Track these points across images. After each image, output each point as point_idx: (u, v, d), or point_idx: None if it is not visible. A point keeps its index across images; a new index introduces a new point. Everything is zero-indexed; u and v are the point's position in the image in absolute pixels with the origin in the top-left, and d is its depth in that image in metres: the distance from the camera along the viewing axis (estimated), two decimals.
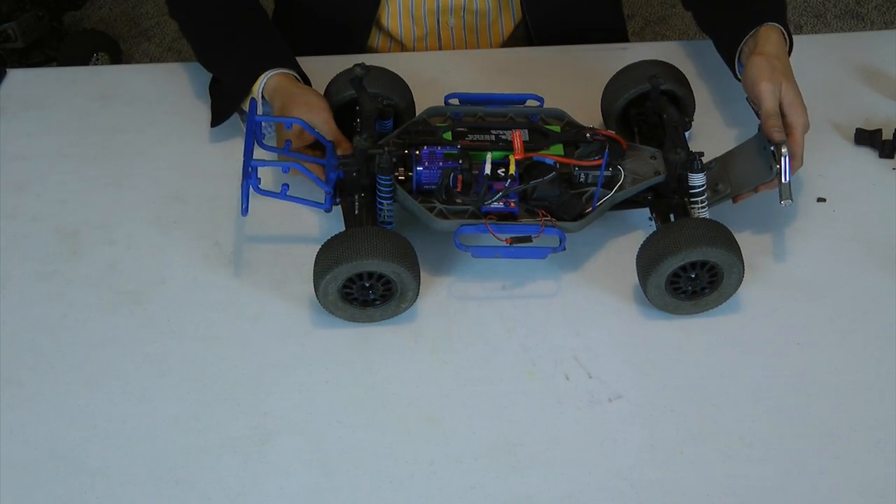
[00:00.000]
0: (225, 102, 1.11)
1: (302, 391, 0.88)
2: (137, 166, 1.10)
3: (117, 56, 2.30)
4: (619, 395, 0.88)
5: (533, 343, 0.92)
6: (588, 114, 1.09)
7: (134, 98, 1.19)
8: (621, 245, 1.00)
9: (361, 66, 0.98)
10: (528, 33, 1.27)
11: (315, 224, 1.02)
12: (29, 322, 0.94)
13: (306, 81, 1.10)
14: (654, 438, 0.84)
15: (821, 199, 1.04)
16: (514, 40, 1.30)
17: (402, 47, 1.28)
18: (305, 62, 1.15)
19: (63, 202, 1.06)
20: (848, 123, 1.13)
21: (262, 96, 1.07)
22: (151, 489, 0.82)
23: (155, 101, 1.18)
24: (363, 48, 1.27)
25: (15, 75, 1.23)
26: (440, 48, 1.28)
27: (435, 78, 1.20)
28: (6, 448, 0.84)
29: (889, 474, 0.82)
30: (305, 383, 0.89)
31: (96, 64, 2.21)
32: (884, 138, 1.09)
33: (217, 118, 1.11)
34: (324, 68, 1.20)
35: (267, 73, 1.06)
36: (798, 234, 1.01)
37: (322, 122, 1.00)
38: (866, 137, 1.10)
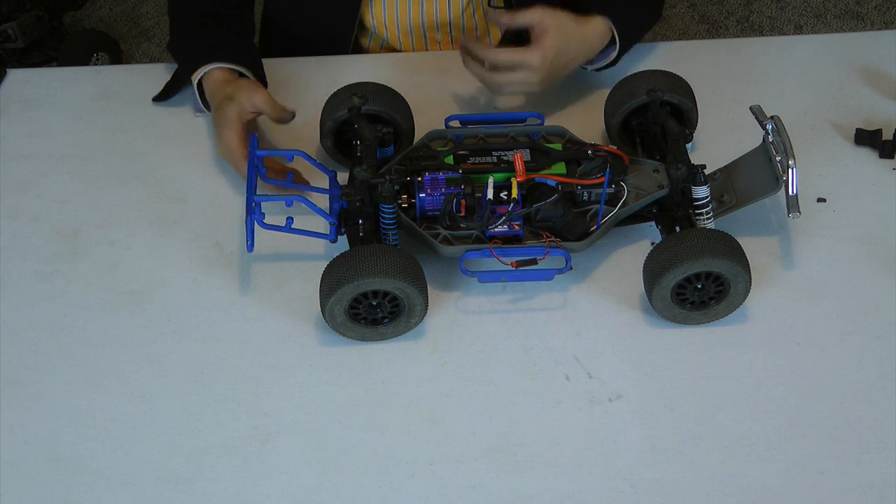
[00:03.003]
0: (174, 82, 1.16)
1: (302, 391, 0.88)
2: (137, 166, 1.10)
3: (117, 56, 2.30)
4: (619, 395, 0.88)
5: (533, 343, 0.92)
6: (587, 119, 1.09)
7: (134, 98, 1.19)
8: (623, 248, 0.99)
9: (359, 95, 0.99)
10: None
11: (315, 224, 1.02)
12: (29, 322, 0.94)
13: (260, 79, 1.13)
14: (654, 438, 0.84)
15: (821, 200, 1.04)
16: None
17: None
18: (303, 62, 1.15)
19: (63, 202, 1.06)
20: (848, 123, 1.13)
21: (201, 87, 1.11)
22: (151, 489, 0.82)
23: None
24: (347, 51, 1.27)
25: (15, 75, 1.23)
26: None
27: (433, 79, 1.20)
28: (6, 448, 0.85)
29: (889, 474, 0.82)
30: (305, 383, 0.89)
31: (96, 64, 2.21)
32: (884, 138, 1.09)
33: (162, 94, 1.16)
34: (321, 69, 1.20)
35: (210, 65, 1.09)
36: (798, 235, 1.01)
37: (263, 101, 1.04)
38: (866, 137, 1.10)
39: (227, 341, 0.92)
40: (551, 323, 0.93)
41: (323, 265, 0.88)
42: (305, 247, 1.00)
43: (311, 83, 1.18)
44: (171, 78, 1.16)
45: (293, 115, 1.06)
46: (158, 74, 1.21)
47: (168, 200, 1.06)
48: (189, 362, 0.91)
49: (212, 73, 1.09)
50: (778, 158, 0.94)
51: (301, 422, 0.86)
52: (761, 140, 0.97)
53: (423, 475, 0.82)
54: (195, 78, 1.09)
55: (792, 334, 0.92)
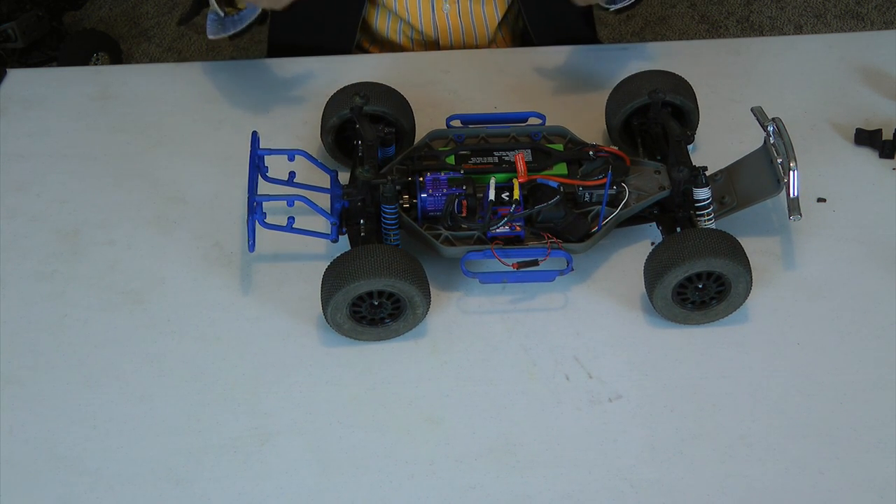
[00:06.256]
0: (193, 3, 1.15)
1: (302, 391, 0.88)
2: (137, 166, 1.10)
3: (117, 56, 2.30)
4: (619, 395, 0.88)
5: (533, 343, 0.92)
6: (588, 115, 1.09)
7: (134, 98, 1.19)
8: (623, 248, 0.99)
9: (361, 94, 0.98)
10: (520, 18, 1.29)
11: (315, 223, 1.02)
12: (29, 322, 0.94)
13: None
14: (654, 438, 0.84)
15: (821, 199, 1.04)
16: (507, 23, 1.32)
17: (400, 25, 1.29)
18: (304, 62, 1.15)
19: (63, 202, 1.06)
20: (848, 123, 1.12)
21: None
22: (151, 489, 0.82)
23: (155, 101, 1.18)
24: (356, 30, 1.27)
25: (15, 75, 1.23)
26: (436, 33, 1.29)
27: (434, 79, 1.20)
28: (6, 448, 0.85)
29: (889, 474, 0.82)
30: (305, 383, 0.89)
31: (96, 64, 2.21)
32: (884, 138, 1.09)
33: (184, 18, 1.17)
34: (323, 68, 1.21)
35: None
36: (798, 235, 1.01)
37: None
38: (866, 137, 1.10)
39: (227, 341, 0.92)
40: (551, 323, 0.93)
41: (324, 265, 0.88)
42: (306, 247, 1.00)
43: (312, 83, 1.18)
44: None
45: None
46: (158, 74, 1.21)
47: (168, 200, 1.06)
48: (189, 362, 0.91)
49: None
50: (779, 160, 0.94)
51: (301, 422, 0.86)
52: (762, 142, 0.97)
53: (423, 475, 0.82)
54: None
55: (792, 334, 0.92)
